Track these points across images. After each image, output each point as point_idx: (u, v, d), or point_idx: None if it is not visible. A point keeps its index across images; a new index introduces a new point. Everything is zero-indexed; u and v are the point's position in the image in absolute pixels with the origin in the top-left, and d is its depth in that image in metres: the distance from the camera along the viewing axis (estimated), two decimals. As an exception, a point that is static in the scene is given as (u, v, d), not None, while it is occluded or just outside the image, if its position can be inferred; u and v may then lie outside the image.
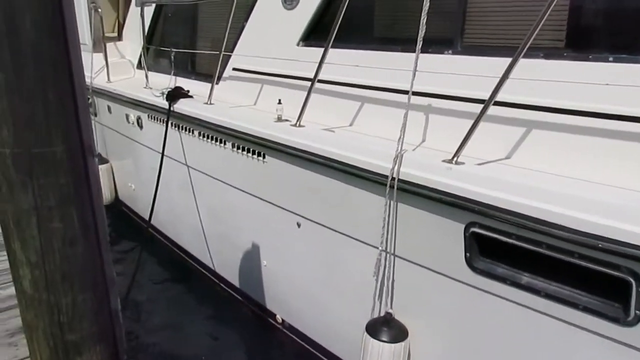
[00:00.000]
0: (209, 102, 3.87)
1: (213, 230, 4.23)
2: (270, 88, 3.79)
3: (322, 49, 3.37)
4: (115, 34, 6.10)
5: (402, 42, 2.93)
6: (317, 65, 2.92)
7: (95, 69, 5.24)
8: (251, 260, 3.82)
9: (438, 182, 2.18)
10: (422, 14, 2.18)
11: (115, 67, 5.46)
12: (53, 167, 1.80)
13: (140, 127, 4.84)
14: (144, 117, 4.73)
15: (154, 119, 4.58)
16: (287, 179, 3.14)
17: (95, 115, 5.86)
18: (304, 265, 3.26)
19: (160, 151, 4.52)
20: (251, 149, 3.37)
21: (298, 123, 3.05)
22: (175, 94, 4.09)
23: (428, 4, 2.17)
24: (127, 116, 5.05)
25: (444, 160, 2.29)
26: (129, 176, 5.57)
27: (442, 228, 2.31)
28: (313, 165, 2.85)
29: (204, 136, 3.87)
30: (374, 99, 3.02)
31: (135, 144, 5.09)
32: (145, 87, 4.77)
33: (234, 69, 4.06)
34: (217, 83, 4.33)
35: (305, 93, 3.43)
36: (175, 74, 4.81)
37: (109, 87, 5.17)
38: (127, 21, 5.85)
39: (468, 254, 2.25)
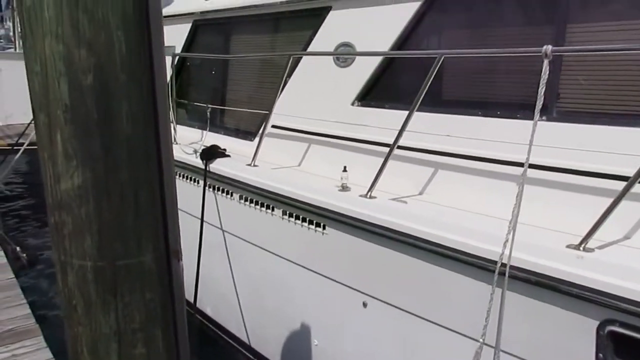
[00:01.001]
0: (252, 164, 3.57)
1: (251, 301, 3.84)
2: (317, 148, 3.53)
3: (380, 110, 3.14)
4: None
5: (481, 105, 2.71)
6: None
7: None
8: (298, 338, 3.43)
9: (569, 274, 1.89)
10: (541, 83, 1.95)
11: None
12: (139, 280, 1.46)
13: (165, 185, 4.50)
14: (170, 175, 4.40)
15: (182, 177, 4.26)
16: (354, 254, 2.81)
17: None
18: (371, 349, 2.89)
19: (187, 210, 4.17)
20: (307, 219, 3.06)
21: (369, 194, 2.76)
22: (212, 153, 3.79)
23: (547, 73, 1.94)
24: None
25: (569, 246, 2.01)
26: None
27: (565, 323, 2.00)
28: (391, 242, 2.54)
29: (246, 200, 3.55)
30: (448, 166, 2.76)
31: None
32: (173, 143, 4.47)
33: (274, 127, 3.79)
34: (252, 140, 4.07)
35: (360, 155, 3.17)
36: (202, 128, 4.54)
37: None
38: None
39: (601, 355, 1.93)
